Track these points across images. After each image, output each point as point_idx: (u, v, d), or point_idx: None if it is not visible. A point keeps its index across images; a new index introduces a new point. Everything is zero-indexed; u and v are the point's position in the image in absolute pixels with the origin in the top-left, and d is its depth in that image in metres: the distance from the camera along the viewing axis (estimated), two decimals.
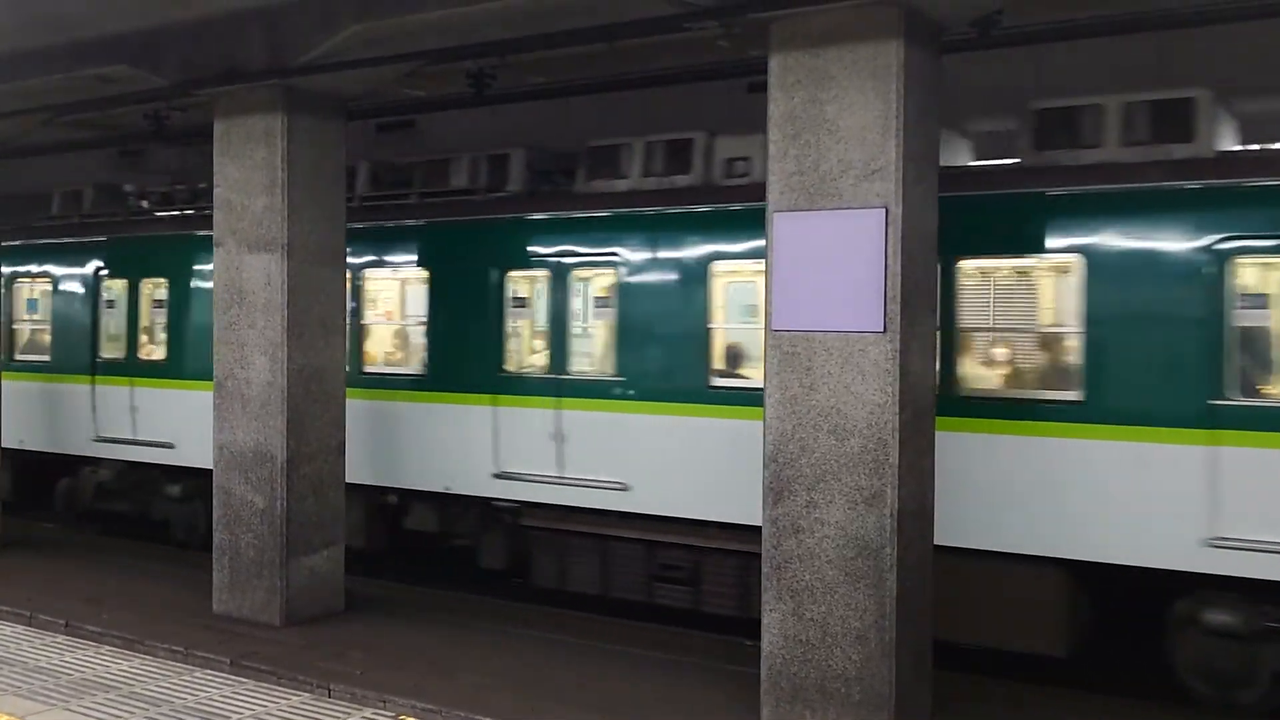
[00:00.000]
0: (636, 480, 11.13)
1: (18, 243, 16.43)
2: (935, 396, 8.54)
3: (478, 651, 10.29)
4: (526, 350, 12.28)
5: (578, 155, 12.19)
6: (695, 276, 10.94)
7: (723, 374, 10.88)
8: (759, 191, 8.52)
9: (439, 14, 9.77)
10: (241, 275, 11.15)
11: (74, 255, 15.98)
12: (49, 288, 16.29)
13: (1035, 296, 9.88)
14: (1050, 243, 9.50)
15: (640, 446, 11.13)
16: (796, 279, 8.11)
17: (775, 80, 8.16)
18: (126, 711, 8.55)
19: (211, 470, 11.53)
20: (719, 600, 10.98)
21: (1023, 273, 9.86)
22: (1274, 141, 10.62)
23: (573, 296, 11.82)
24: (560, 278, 11.82)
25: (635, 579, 11.44)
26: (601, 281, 11.66)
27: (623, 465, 11.20)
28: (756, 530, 8.64)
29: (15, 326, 16.68)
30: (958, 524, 9.22)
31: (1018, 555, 9.37)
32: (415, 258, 12.97)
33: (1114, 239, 9.24)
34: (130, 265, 15.32)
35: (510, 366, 12.15)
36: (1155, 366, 8.99)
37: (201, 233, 13.06)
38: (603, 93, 12.89)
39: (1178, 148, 9.22)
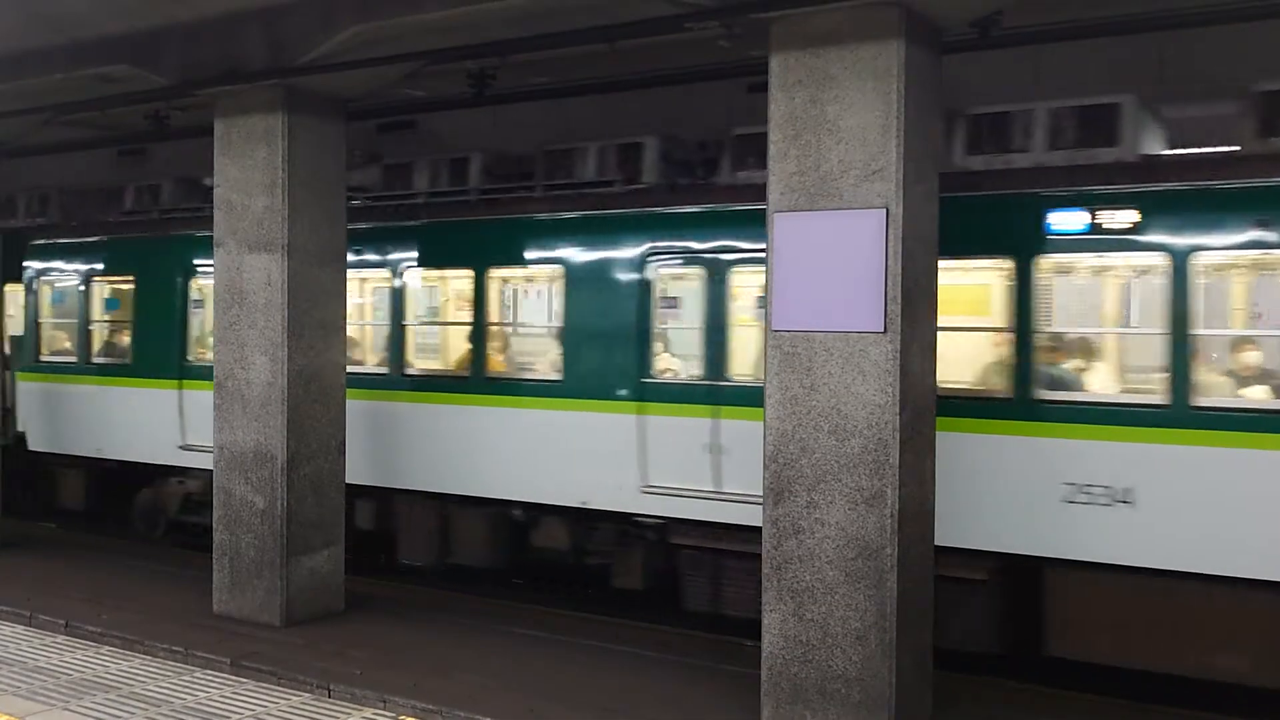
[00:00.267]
0: None
1: (79, 240, 15.70)
2: (935, 396, 8.54)
3: (478, 651, 10.30)
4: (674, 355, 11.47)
5: (723, 144, 11.32)
6: None
7: None
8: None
9: (439, 14, 9.79)
10: (242, 275, 11.17)
11: (160, 252, 14.82)
12: (130, 287, 15.17)
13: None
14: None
15: None
16: (797, 279, 8.11)
17: (776, 80, 8.16)
18: (126, 711, 8.56)
19: None
20: None
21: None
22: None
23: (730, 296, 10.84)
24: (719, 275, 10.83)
25: None
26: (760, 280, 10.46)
27: None
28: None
29: (91, 328, 15.65)
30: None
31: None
32: (546, 254, 11.88)
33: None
34: None
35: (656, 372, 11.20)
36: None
37: None
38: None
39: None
